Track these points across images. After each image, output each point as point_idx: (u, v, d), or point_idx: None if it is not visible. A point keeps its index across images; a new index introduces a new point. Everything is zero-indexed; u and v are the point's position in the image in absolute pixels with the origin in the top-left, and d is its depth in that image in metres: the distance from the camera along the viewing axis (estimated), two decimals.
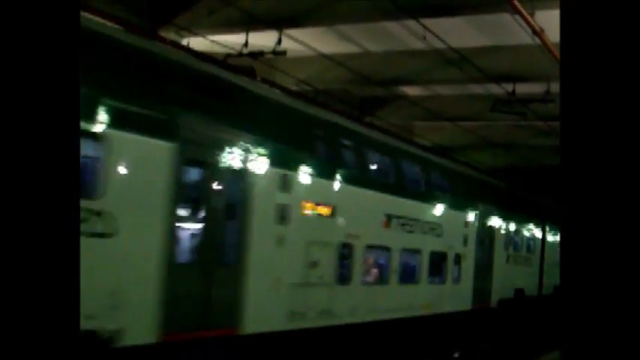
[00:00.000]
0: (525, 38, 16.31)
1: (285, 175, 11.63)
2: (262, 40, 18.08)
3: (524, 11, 12.67)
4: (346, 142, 14.23)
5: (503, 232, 21.82)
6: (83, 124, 7.74)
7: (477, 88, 24.36)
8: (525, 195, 25.22)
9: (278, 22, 17.90)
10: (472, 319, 19.09)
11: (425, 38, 16.95)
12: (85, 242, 5.97)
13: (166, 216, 9.30)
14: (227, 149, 10.35)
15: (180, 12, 18.66)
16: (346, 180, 13.36)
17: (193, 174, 10.18)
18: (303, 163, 12.10)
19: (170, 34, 18.38)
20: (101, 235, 8.40)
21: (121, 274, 8.67)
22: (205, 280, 10.01)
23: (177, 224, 9.64)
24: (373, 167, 15.34)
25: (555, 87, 20.57)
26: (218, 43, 18.03)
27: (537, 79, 20.86)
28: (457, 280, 18.48)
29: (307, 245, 12.26)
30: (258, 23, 17.65)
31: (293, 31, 19.13)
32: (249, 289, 10.69)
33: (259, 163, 10.93)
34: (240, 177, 10.65)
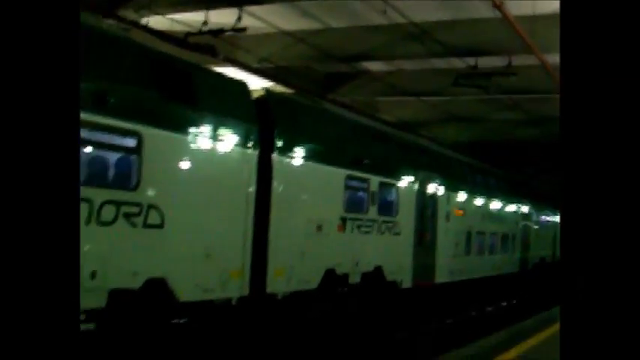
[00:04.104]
0: (486, 12, 16.37)
1: (448, 194, 20.58)
2: (222, 17, 17.89)
3: None
4: (469, 172, 23.58)
5: (534, 216, 31.22)
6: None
7: (439, 63, 24.41)
8: (546, 189, 34.88)
9: None
10: (519, 277, 28.32)
11: (385, 13, 16.94)
12: (391, 239, 17.14)
13: (415, 220, 18.39)
14: (432, 185, 19.41)
15: None
16: (468, 193, 22.46)
17: (420, 197, 18.70)
18: (453, 187, 21.07)
19: (129, 13, 18.11)
20: (398, 234, 17.34)
21: (401, 253, 17.65)
22: (425, 254, 18.83)
23: (416, 224, 18.40)
24: (479, 182, 24.11)
25: (516, 60, 20.65)
26: (177, 22, 17.83)
27: (499, 53, 20.90)
28: (512, 251, 27.51)
29: (454, 233, 21.18)
30: (218, 0, 17.46)
31: (253, 8, 18.98)
32: (437, 259, 19.67)
33: (441, 190, 19.99)
34: (435, 197, 19.61)
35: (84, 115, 8.82)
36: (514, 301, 26.28)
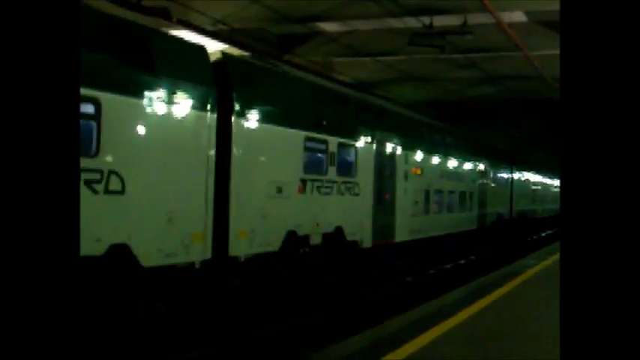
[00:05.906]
0: None
1: (406, 153, 21.11)
2: None
3: None
4: (426, 131, 24.07)
5: (491, 173, 31.76)
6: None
7: (394, 23, 24.35)
8: (502, 146, 35.91)
9: None
10: (477, 234, 29.33)
11: None
12: (351, 199, 17.38)
13: (374, 180, 18.72)
14: (390, 145, 20.04)
15: None
16: (425, 152, 22.98)
17: (378, 157, 19.17)
18: (411, 146, 21.55)
19: None
20: (357, 195, 17.60)
21: (361, 214, 17.87)
22: (384, 214, 19.33)
23: (375, 184, 18.73)
24: (436, 141, 24.65)
25: (472, 19, 20.72)
26: None
27: (454, 11, 20.94)
28: (470, 209, 28.13)
29: (413, 192, 21.65)
30: None
31: None
32: (396, 218, 20.19)
33: (399, 149, 20.60)
34: (393, 157, 20.20)
35: None
36: (473, 258, 26.19)
